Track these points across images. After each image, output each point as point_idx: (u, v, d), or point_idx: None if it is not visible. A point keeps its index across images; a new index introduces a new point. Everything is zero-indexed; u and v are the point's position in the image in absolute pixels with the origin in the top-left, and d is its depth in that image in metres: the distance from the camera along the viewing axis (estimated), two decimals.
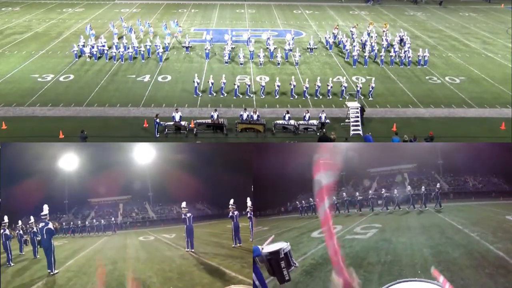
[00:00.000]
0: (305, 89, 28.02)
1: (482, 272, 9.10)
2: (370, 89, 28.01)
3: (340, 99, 27.95)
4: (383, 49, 35.33)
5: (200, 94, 28.05)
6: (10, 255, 14.10)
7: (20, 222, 17.15)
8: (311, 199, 27.87)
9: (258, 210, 29.09)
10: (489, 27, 48.95)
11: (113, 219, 29.78)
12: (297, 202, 28.71)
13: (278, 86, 28.12)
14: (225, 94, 28.07)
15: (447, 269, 9.48)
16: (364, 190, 29.63)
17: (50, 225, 12.11)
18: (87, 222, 29.34)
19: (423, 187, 23.86)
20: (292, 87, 27.89)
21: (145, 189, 37.00)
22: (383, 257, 11.18)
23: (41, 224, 12.18)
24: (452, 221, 16.53)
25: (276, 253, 7.78)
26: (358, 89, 27.90)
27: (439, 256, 10.78)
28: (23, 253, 16.48)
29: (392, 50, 35.70)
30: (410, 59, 34.31)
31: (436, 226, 15.94)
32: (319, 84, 28.05)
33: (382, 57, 34.44)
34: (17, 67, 32.60)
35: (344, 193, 29.05)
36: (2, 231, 14.06)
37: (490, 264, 9.61)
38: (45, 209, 12.20)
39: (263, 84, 28.74)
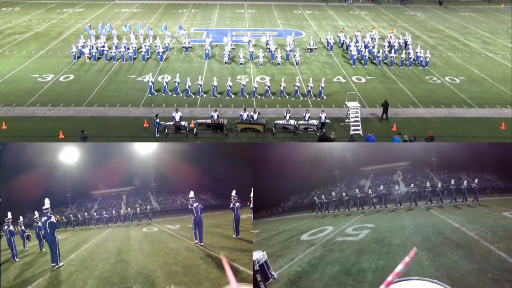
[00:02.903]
0: (296, 89, 28.03)
1: (484, 277, 8.47)
2: (320, 89, 28.00)
3: (318, 99, 28.00)
4: (385, 51, 35.13)
5: (155, 94, 28.13)
6: (14, 251, 14.15)
7: (21, 218, 17.10)
8: (333, 193, 26.76)
9: (253, 211, 28.61)
10: (489, 27, 48.95)
11: (115, 211, 29.57)
12: (315, 198, 27.21)
13: (267, 86, 28.30)
14: (218, 96, 28.10)
15: (447, 275, 8.86)
16: (358, 188, 29.13)
17: (53, 219, 12.19)
18: (90, 214, 29.24)
19: (428, 183, 23.26)
20: (282, 88, 27.96)
21: (148, 180, 36.84)
22: (374, 262, 10.43)
23: (44, 218, 12.24)
24: (448, 218, 15.79)
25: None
26: (309, 89, 28.03)
27: (437, 259, 10.05)
28: (26, 248, 16.46)
29: (393, 51, 35.44)
30: (411, 60, 34.21)
31: (431, 225, 15.17)
32: (312, 85, 28.04)
33: (380, 58, 34.28)
34: (17, 67, 32.61)
35: (337, 192, 28.54)
36: (6, 227, 14.06)
37: (493, 268, 9.04)
38: (46, 202, 12.25)
39: (255, 85, 28.65)
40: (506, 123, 24.97)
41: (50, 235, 12.15)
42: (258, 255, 7.68)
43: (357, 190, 26.08)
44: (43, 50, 36.66)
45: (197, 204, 14.09)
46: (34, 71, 31.85)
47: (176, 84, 28.25)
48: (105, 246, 17.03)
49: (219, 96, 28.14)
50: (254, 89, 28.24)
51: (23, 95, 27.89)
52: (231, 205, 14.52)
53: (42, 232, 13.33)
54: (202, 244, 13.76)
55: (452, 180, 21.84)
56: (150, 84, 28.08)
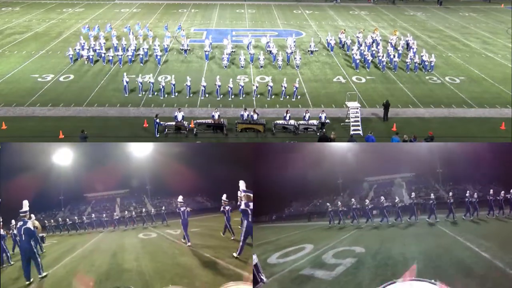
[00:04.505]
0: (269, 88, 28.03)
1: None
2: (294, 89, 27.89)
3: (293, 99, 27.88)
4: (389, 55, 34.31)
5: (127, 94, 28.10)
6: (6, 255, 13.72)
7: (13, 221, 16.89)
8: (353, 199, 23.90)
9: (255, 216, 27.41)
10: (489, 27, 48.96)
11: (109, 214, 28.72)
12: (328, 204, 24.48)
13: (256, 86, 28.31)
14: (220, 96, 28.05)
15: None
16: (360, 199, 26.96)
17: (29, 224, 10.51)
18: (83, 218, 28.79)
19: (432, 194, 20.00)
20: (255, 87, 28.11)
21: (143, 182, 36.34)
22: None
23: (19, 223, 10.53)
24: (469, 242, 11.54)
25: None
26: (283, 89, 27.93)
27: None
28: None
29: (397, 55, 34.27)
30: (416, 64, 33.23)
31: (446, 253, 10.89)
32: (285, 85, 27.98)
33: (384, 63, 33.29)
34: (17, 67, 32.60)
35: (339, 202, 25.15)
36: None
37: None
38: (25, 205, 10.74)
39: (247, 83, 28.71)
40: (506, 123, 24.97)
41: (26, 244, 10.34)
42: None
43: (353, 200, 23.55)
44: (43, 50, 36.65)
45: (184, 208, 14.62)
46: (34, 71, 31.85)
47: (151, 84, 28.34)
48: (91, 260, 14.01)
49: (193, 95, 28.12)
50: (255, 87, 28.24)
51: (23, 95, 27.89)
52: (222, 209, 14.80)
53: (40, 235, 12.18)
54: (190, 244, 14.16)
55: (495, 191, 18.45)
56: (125, 84, 28.11)
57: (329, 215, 23.74)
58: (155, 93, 28.17)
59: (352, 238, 16.17)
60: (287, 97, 27.98)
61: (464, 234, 13.58)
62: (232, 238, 14.62)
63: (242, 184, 11.31)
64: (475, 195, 18.56)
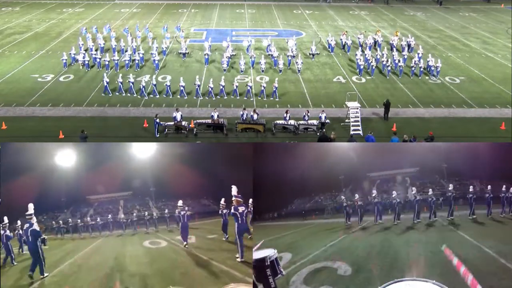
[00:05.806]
0: (248, 89, 28.06)
1: None
2: (274, 89, 27.82)
3: (271, 99, 27.88)
4: (394, 59, 33.29)
5: (110, 94, 28.16)
6: (12, 255, 13.89)
7: (19, 222, 16.90)
8: (374, 191, 21.38)
9: (256, 214, 26.81)
10: (489, 27, 48.96)
11: (112, 217, 28.14)
12: (343, 198, 22.90)
13: (263, 86, 28.32)
14: (215, 97, 28.00)
15: None
16: (363, 195, 23.90)
17: (35, 226, 11.21)
18: (85, 221, 28.45)
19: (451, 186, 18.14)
20: (235, 87, 28.14)
21: (146, 184, 36.03)
22: None
23: (26, 225, 11.23)
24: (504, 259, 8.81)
25: (261, 260, 7.88)
26: (262, 89, 28.08)
27: None
28: (24, 252, 16.27)
29: (401, 59, 33.14)
30: (422, 70, 32.40)
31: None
32: (264, 85, 28.03)
33: (389, 68, 32.25)
34: (17, 67, 32.60)
35: (357, 195, 22.53)
36: (2, 232, 13.67)
37: None
38: (30, 208, 11.34)
39: (227, 83, 28.60)
40: (506, 123, 24.97)
41: (33, 244, 11.14)
42: (270, 252, 8.16)
43: (374, 192, 21.05)
44: (43, 50, 36.65)
45: (184, 212, 15.32)
46: (34, 71, 31.84)
47: (131, 84, 28.37)
48: (79, 275, 11.92)
49: (186, 96, 28.03)
50: (263, 88, 28.23)
51: (23, 95, 27.89)
52: (220, 211, 15.36)
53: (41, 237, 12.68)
54: (187, 246, 14.79)
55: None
56: (105, 84, 28.15)
57: (344, 210, 22.00)
58: (135, 94, 28.10)
59: (340, 246, 13.57)
60: (266, 98, 27.89)
61: (478, 238, 11.71)
62: (223, 239, 15.29)
63: (234, 189, 11.95)
64: (511, 190, 16.54)
